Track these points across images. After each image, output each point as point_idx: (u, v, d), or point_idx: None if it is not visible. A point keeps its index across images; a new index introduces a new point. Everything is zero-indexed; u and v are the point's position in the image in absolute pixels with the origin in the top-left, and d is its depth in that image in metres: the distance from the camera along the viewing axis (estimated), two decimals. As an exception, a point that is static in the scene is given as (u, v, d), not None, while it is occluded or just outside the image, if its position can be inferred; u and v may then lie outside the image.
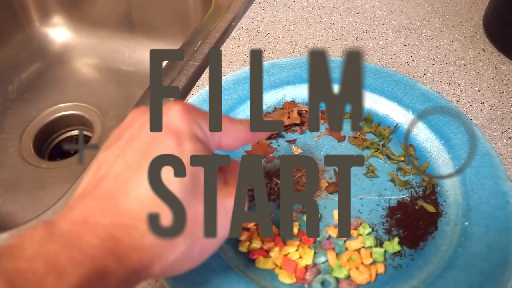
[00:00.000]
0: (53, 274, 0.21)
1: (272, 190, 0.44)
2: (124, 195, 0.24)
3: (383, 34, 0.62)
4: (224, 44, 0.60)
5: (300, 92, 0.52)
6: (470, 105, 0.54)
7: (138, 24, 0.77)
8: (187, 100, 0.51)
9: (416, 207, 0.44)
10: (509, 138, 0.51)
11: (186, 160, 0.25)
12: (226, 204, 0.27)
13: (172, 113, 0.27)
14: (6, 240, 0.42)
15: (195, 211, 0.26)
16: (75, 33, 0.80)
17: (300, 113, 0.49)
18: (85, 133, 0.75)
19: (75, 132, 0.75)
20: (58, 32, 0.80)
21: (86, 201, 0.24)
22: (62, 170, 0.67)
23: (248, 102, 0.50)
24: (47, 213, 0.44)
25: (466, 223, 0.42)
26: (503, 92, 0.56)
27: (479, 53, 0.60)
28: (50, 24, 0.80)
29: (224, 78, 0.51)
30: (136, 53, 0.78)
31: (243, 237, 0.40)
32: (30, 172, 0.66)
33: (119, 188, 0.24)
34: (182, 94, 0.53)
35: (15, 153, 0.69)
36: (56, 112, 0.74)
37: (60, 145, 0.74)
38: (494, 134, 0.51)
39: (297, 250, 0.40)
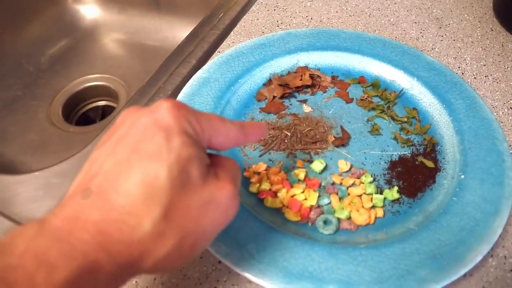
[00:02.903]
0: (43, 269, 0.21)
1: (282, 141, 0.47)
2: (114, 190, 0.24)
3: (395, 12, 0.66)
4: (244, 16, 0.64)
5: (313, 59, 0.55)
6: (475, 78, 0.57)
7: (164, 3, 0.82)
8: (207, 63, 0.55)
9: (416, 163, 0.47)
10: (511, 108, 0.54)
11: (174, 155, 0.25)
12: (217, 197, 0.27)
13: (161, 110, 0.27)
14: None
15: (185, 205, 0.26)
16: (104, 11, 0.85)
17: (312, 77, 0.53)
18: (110, 104, 0.79)
19: (102, 103, 0.80)
20: (89, 9, 0.85)
21: (77, 199, 0.24)
22: (87, 135, 0.71)
23: (264, 65, 0.54)
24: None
25: (462, 177, 0.44)
26: (508, 67, 0.58)
27: (487, 32, 0.63)
28: (81, 2, 0.85)
29: (242, 44, 0.55)
30: (162, 31, 0.83)
31: (253, 179, 0.44)
32: (57, 136, 0.71)
33: (109, 184, 0.24)
34: (203, 59, 0.57)
35: (45, 118, 0.73)
36: (84, 82, 0.78)
37: (87, 114, 0.79)
38: (496, 104, 0.54)
39: (303, 192, 0.43)
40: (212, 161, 0.30)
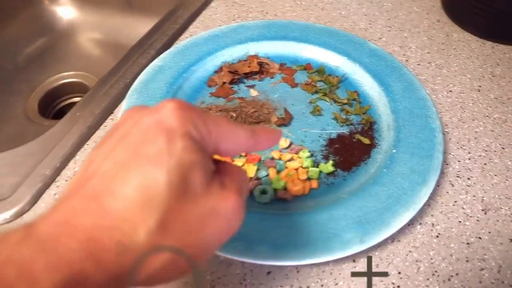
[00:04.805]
0: (24, 281, 0.19)
1: (228, 122, 0.51)
2: (109, 194, 0.22)
3: (347, 6, 0.69)
4: (203, 12, 0.68)
5: (262, 48, 0.59)
6: (418, 64, 0.60)
7: (136, 3, 0.86)
8: (164, 53, 0.58)
9: (354, 140, 0.50)
10: (450, 91, 0.57)
11: (176, 159, 0.23)
12: (220, 208, 0.25)
13: (165, 110, 0.25)
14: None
15: (184, 214, 0.24)
16: (80, 12, 0.89)
17: (260, 64, 0.56)
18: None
19: (77, 99, 0.83)
20: (65, 10, 0.89)
21: (70, 201, 0.23)
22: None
23: (216, 54, 0.58)
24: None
25: (394, 151, 0.48)
26: (450, 55, 0.62)
27: (433, 22, 0.67)
28: (58, 3, 0.89)
29: (197, 35, 0.59)
30: (134, 30, 0.86)
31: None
32: (33, 129, 0.74)
33: (105, 186, 0.23)
34: (162, 50, 0.61)
35: (21, 113, 0.77)
36: (60, 79, 0.82)
37: (63, 110, 0.83)
38: (437, 87, 0.57)
39: (242, 166, 0.46)
40: (219, 168, 0.28)
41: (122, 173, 0.23)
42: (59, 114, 0.82)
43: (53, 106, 0.82)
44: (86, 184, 0.23)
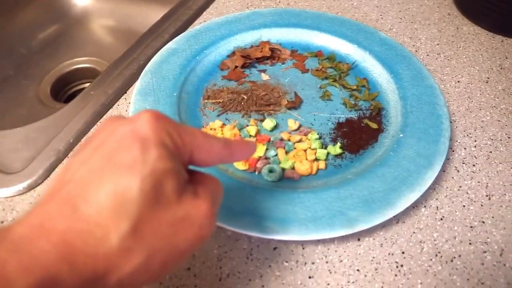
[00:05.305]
0: None
1: (239, 104, 0.52)
2: (83, 199, 0.23)
3: (358, -3, 0.71)
4: (217, -1, 0.69)
5: (275, 35, 0.60)
6: (427, 55, 0.61)
7: (151, -8, 0.87)
8: (177, 37, 0.59)
9: (362, 124, 0.51)
10: (458, 81, 0.58)
11: (149, 167, 0.24)
12: (192, 216, 0.26)
13: (140, 120, 0.26)
14: None
15: (156, 221, 0.24)
16: (94, -1, 0.91)
17: (272, 50, 0.57)
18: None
19: (88, 84, 0.85)
20: (80, -3, 0.91)
21: (46, 206, 0.24)
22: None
23: (229, 39, 0.59)
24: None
25: (401, 135, 0.48)
26: (460, 47, 0.63)
27: (444, 15, 0.68)
28: (72, -11, 0.91)
29: (211, 21, 0.60)
30: (147, 18, 0.88)
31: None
32: (45, 111, 0.76)
33: (79, 192, 0.24)
34: (176, 35, 0.62)
35: (34, 96, 0.78)
36: (73, 65, 0.83)
37: (75, 95, 0.84)
38: (445, 78, 0.58)
39: (252, 145, 0.47)
40: (193, 178, 0.29)
41: (96, 179, 0.24)
42: (71, 99, 0.83)
43: (65, 91, 0.84)
44: (62, 189, 0.24)
